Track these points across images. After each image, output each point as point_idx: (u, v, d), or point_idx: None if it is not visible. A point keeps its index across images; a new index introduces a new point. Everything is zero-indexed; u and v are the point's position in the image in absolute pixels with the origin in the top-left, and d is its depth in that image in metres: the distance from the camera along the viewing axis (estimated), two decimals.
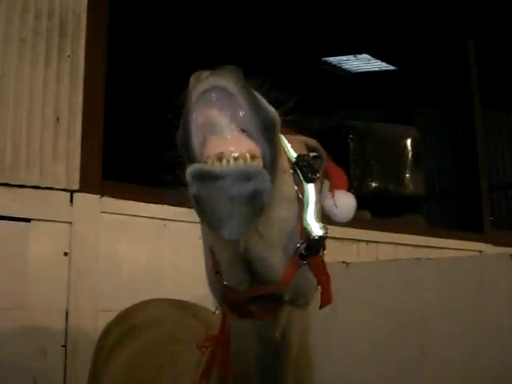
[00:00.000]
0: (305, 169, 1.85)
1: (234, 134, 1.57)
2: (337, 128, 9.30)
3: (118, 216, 5.04)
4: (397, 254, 7.12)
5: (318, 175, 1.88)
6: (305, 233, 1.84)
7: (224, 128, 1.57)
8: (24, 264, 4.62)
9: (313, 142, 2.07)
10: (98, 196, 4.95)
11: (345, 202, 2.18)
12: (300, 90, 8.52)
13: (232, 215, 1.53)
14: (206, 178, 1.50)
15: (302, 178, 1.85)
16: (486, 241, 8.81)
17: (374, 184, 8.80)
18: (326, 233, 1.88)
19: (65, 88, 4.93)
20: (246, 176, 1.50)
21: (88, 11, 5.10)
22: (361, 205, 2.33)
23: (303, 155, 1.87)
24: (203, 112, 1.57)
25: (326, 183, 2.16)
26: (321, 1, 8.83)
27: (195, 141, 1.61)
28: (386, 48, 10.83)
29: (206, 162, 1.55)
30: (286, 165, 1.78)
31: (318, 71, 11.71)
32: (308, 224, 1.85)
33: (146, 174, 7.12)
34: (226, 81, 1.55)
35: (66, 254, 4.80)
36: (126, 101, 8.65)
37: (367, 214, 8.14)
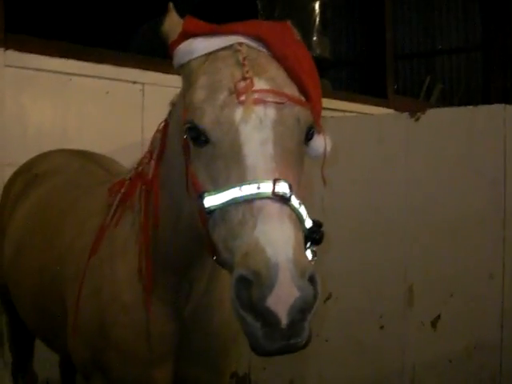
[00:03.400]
0: (315, 235, 1.93)
1: None
2: None
3: (23, 70, 4.91)
4: None
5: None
6: None
7: None
8: None
9: (308, 117, 2.04)
10: (2, 49, 4.80)
11: (328, 142, 2.21)
12: None
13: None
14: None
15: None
16: (388, 106, 9.04)
17: None
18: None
19: None
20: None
21: None
22: None
23: (316, 227, 1.94)
24: None
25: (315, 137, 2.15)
26: None
27: None
28: None
29: None
30: None
31: None
32: None
33: (53, 27, 6.91)
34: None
35: None
36: None
37: None
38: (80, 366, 2.86)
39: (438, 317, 4.83)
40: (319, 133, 2.15)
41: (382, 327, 5.12)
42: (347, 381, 5.29)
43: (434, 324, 4.86)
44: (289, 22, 2.27)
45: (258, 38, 2.07)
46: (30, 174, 3.92)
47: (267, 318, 1.66)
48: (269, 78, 1.98)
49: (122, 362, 2.59)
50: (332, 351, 5.36)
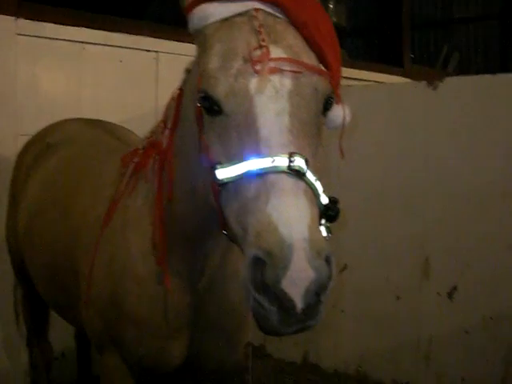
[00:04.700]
0: (330, 212, 1.86)
1: None
2: None
3: (36, 39, 4.83)
4: None
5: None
6: None
7: None
8: None
9: (327, 87, 1.96)
10: (14, 18, 4.75)
11: (347, 112, 2.14)
12: None
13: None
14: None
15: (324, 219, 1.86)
16: (405, 75, 8.97)
17: None
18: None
19: None
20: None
21: None
22: None
23: (332, 204, 1.86)
24: None
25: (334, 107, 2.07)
26: None
27: None
28: None
29: None
30: None
31: None
32: None
33: None
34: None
35: None
36: None
37: None
38: (93, 337, 2.84)
39: (455, 288, 4.81)
40: (338, 103, 2.08)
41: (398, 298, 5.11)
42: (363, 351, 5.30)
43: (450, 295, 4.83)
44: None
45: (275, 4, 1.98)
46: (43, 143, 3.89)
47: (282, 301, 1.62)
48: (286, 46, 1.90)
49: (135, 333, 2.57)
50: (348, 322, 5.36)
